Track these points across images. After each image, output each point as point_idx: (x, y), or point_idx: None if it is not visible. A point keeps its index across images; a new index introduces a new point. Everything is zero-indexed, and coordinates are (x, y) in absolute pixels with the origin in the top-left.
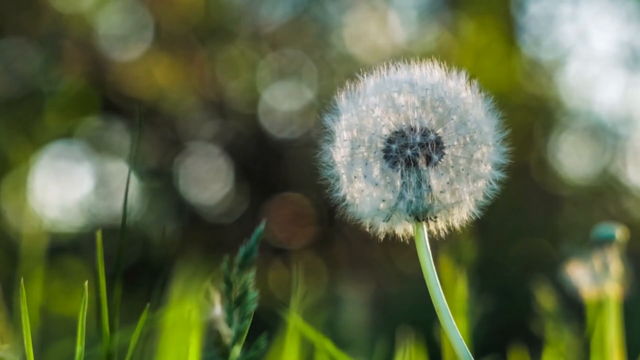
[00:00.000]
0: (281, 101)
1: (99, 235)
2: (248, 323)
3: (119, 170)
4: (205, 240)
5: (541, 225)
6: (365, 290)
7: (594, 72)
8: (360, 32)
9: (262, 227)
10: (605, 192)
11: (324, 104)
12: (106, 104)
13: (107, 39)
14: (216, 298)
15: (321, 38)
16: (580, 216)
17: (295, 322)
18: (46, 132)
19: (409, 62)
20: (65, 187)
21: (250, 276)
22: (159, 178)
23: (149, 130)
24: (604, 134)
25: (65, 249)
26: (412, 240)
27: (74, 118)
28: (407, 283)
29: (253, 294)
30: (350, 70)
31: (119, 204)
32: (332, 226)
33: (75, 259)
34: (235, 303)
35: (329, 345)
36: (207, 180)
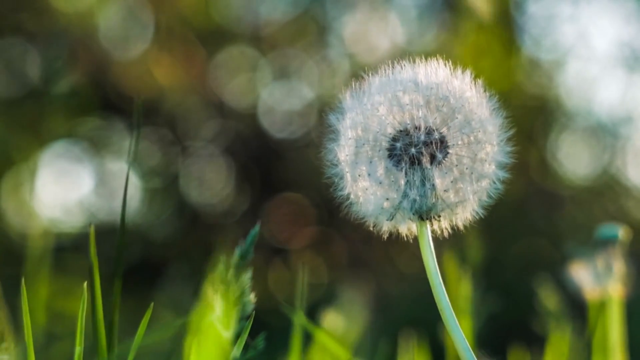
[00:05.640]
0: (281, 101)
1: (91, 230)
2: (247, 324)
3: (120, 170)
4: (206, 240)
5: (541, 225)
6: (366, 290)
7: (594, 72)
8: (360, 32)
9: (257, 228)
10: (605, 192)
11: (324, 104)
12: (106, 103)
13: (108, 39)
14: (215, 299)
15: (321, 38)
16: (581, 216)
17: (306, 324)
18: (47, 132)
19: (414, 61)
20: (66, 187)
21: (247, 277)
22: (159, 178)
23: (149, 130)
24: (604, 134)
25: (66, 249)
26: (411, 239)
27: (74, 118)
28: (408, 283)
29: (250, 295)
30: (350, 70)
31: (119, 204)
32: (332, 226)
33: (76, 259)
34: (232, 304)
35: (334, 346)
36: (207, 180)
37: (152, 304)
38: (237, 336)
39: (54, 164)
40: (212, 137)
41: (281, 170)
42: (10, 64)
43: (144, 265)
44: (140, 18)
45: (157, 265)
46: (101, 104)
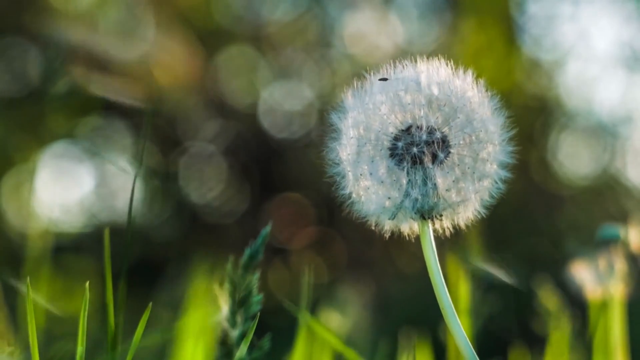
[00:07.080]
0: (281, 101)
1: (106, 233)
2: (254, 325)
3: (120, 170)
4: (206, 240)
5: (542, 224)
6: (366, 290)
7: (594, 72)
8: (361, 32)
9: (268, 229)
10: (605, 192)
11: (325, 104)
12: (107, 103)
13: (108, 39)
14: (222, 299)
15: (321, 38)
16: (581, 216)
17: (309, 323)
18: (47, 132)
19: (415, 61)
20: (66, 187)
21: (254, 277)
22: (160, 178)
23: (149, 130)
24: (604, 134)
25: (66, 249)
26: (411, 240)
27: (75, 118)
28: (408, 283)
29: (257, 296)
30: (350, 70)
31: (120, 204)
32: (332, 226)
33: (76, 259)
34: (239, 304)
35: (340, 346)
36: (208, 180)
37: (150, 304)
38: (242, 336)
39: (54, 164)
40: (212, 137)
41: (281, 170)
42: (10, 64)
43: (144, 265)
44: (140, 18)
45: (157, 265)
46: (101, 104)
